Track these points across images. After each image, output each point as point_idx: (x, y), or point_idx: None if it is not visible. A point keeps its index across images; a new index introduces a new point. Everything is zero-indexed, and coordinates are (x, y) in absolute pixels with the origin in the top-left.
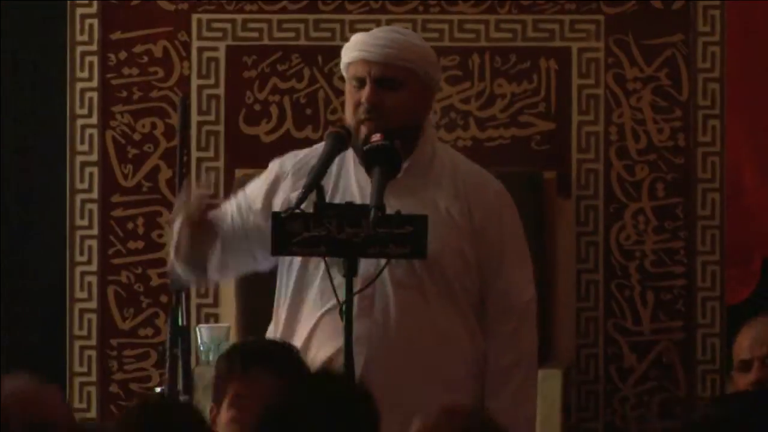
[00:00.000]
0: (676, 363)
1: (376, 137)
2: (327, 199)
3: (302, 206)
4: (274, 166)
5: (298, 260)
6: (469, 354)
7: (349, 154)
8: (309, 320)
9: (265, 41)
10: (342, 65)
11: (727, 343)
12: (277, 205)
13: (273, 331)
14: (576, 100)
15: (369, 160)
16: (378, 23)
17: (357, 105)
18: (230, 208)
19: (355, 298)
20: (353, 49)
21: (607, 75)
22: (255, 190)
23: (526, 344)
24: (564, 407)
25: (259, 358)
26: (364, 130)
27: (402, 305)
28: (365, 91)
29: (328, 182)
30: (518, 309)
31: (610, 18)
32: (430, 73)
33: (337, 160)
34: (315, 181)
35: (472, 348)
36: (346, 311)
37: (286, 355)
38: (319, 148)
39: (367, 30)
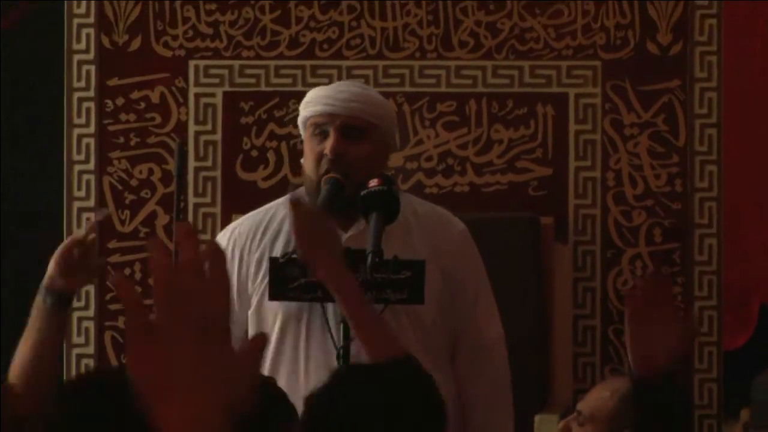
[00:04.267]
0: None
1: (374, 182)
2: (273, 250)
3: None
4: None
5: (277, 314)
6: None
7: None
8: (293, 366)
9: (262, 87)
10: (300, 120)
11: (725, 388)
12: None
13: None
14: (573, 145)
15: (366, 205)
16: (375, 69)
17: (320, 157)
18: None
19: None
20: (316, 104)
21: (604, 120)
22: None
23: (499, 374)
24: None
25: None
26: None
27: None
28: (329, 142)
29: (268, 231)
30: (488, 346)
31: (607, 64)
32: (391, 130)
33: (276, 210)
34: None
35: (445, 393)
36: (343, 356)
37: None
38: (263, 211)
39: (363, 76)
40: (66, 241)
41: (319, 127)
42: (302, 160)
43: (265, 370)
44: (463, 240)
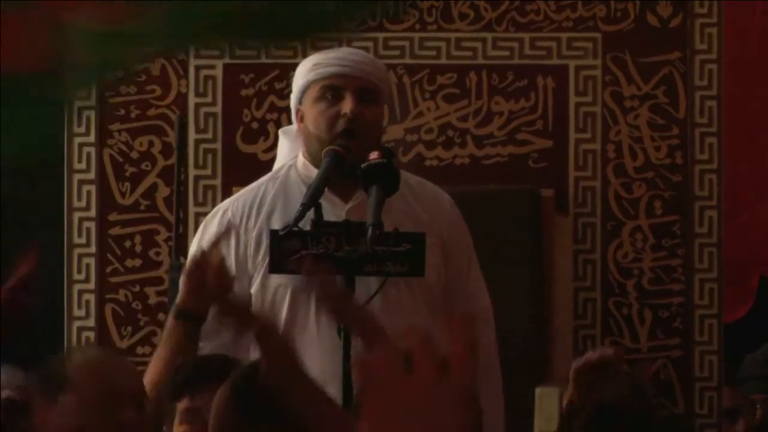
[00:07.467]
0: (673, 380)
1: (374, 155)
2: (269, 226)
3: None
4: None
5: (287, 288)
6: None
7: (293, 172)
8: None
9: (263, 59)
10: (303, 84)
11: (725, 360)
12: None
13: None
14: (573, 117)
15: (367, 177)
16: (375, 41)
17: (335, 118)
18: None
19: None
20: (328, 65)
21: (605, 93)
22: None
23: (490, 345)
24: (561, 426)
25: (202, 373)
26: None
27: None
28: (347, 103)
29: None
30: (480, 317)
31: (608, 36)
32: (391, 94)
33: (266, 187)
34: (313, 199)
35: None
36: (343, 329)
37: (225, 365)
38: (253, 189)
39: (364, 48)
40: (193, 264)
41: (333, 89)
42: (294, 125)
43: None
44: (452, 212)
